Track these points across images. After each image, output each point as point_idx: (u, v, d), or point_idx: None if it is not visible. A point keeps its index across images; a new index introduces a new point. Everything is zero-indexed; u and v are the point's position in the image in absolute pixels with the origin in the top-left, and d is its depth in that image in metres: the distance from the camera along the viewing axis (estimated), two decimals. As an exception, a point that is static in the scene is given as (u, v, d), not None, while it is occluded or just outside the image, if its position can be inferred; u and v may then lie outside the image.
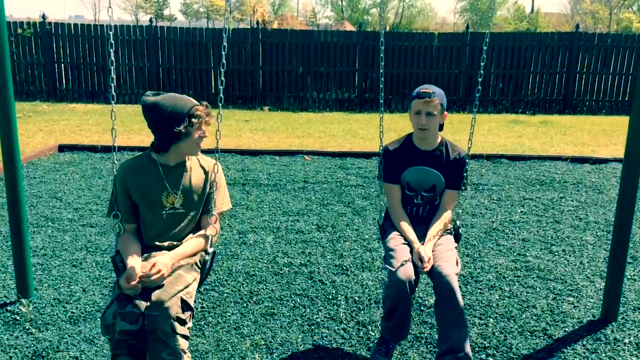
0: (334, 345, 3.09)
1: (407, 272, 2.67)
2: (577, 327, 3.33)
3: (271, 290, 3.72)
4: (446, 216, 3.02)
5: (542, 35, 14.02)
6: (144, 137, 8.89)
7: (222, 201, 2.76)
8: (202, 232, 2.70)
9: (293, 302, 3.57)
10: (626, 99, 13.55)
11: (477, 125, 10.90)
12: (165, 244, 2.64)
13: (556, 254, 4.46)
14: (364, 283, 3.85)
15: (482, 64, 3.03)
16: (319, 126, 10.65)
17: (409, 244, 2.87)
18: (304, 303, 3.56)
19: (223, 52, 2.70)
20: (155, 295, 2.35)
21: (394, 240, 2.91)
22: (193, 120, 2.52)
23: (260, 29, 13.38)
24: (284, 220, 5.10)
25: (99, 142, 8.28)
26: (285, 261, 4.19)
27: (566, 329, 3.30)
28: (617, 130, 10.71)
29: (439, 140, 3.05)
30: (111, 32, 2.71)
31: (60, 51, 13.31)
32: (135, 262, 2.45)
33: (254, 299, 3.59)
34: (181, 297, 2.39)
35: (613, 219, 3.53)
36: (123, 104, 13.28)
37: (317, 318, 3.37)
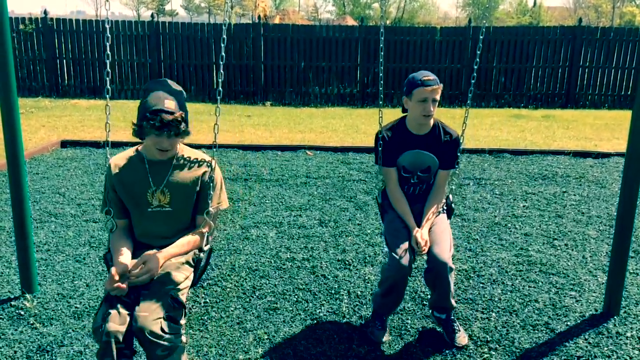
0: (337, 340, 3.10)
1: (407, 257, 2.88)
2: (579, 321, 3.33)
3: (274, 285, 3.73)
4: (440, 196, 3.16)
5: (544, 29, 13.96)
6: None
7: (219, 200, 2.55)
8: (196, 230, 2.54)
9: (295, 296, 3.58)
10: (629, 93, 13.50)
11: (478, 119, 10.92)
12: (155, 242, 2.50)
13: (558, 248, 4.46)
14: (367, 278, 3.86)
15: (477, 52, 3.15)
16: (321, 121, 10.64)
17: (407, 226, 3.03)
18: (307, 298, 3.57)
19: (222, 45, 2.59)
20: (143, 295, 2.26)
21: (394, 223, 3.07)
22: (144, 122, 2.28)
23: (262, 23, 13.36)
24: (286, 215, 5.11)
25: (101, 137, 8.28)
26: (288, 256, 4.20)
27: (568, 323, 3.31)
28: (620, 124, 10.68)
29: (431, 122, 3.11)
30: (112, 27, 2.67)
31: (62, 47, 13.31)
32: (122, 260, 2.33)
33: (256, 294, 3.60)
34: (171, 295, 2.30)
35: (615, 213, 3.53)
36: (125, 100, 13.30)
37: (319, 313, 3.38)
